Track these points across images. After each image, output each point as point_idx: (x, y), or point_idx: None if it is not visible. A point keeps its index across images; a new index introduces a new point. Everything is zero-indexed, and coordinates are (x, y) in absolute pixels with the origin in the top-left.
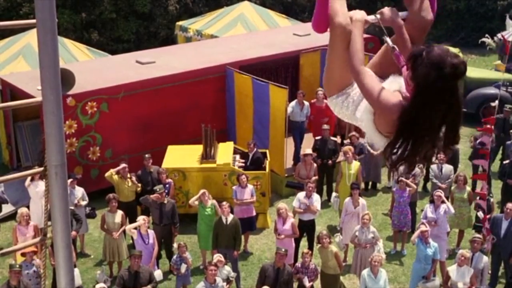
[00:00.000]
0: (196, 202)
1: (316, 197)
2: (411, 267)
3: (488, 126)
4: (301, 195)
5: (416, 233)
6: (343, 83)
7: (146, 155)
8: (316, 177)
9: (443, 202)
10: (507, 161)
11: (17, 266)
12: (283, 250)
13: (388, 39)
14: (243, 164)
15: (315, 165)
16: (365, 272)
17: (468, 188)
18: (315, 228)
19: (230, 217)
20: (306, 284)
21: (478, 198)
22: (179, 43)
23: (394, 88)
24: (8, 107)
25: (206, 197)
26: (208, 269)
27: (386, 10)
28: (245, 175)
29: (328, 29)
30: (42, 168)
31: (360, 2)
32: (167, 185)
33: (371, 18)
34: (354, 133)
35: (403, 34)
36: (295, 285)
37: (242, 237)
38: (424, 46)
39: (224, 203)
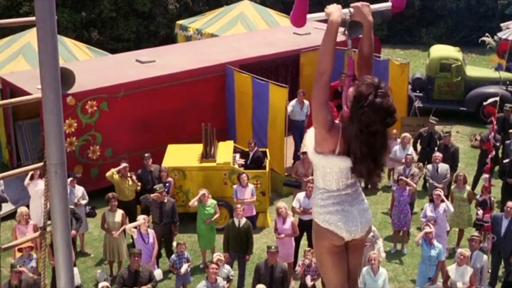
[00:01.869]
0: (196, 203)
1: None
2: (412, 267)
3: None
4: (301, 195)
5: (421, 234)
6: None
7: (146, 154)
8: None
9: (442, 201)
10: (507, 160)
11: (18, 266)
12: (273, 247)
13: (349, 42)
14: (243, 163)
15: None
16: (365, 270)
17: (468, 188)
18: None
19: (243, 220)
20: (308, 283)
21: (479, 195)
22: (179, 42)
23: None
24: (8, 104)
25: (206, 197)
26: (209, 268)
27: (361, 5)
28: (246, 174)
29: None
30: (41, 164)
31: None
32: (167, 184)
33: (344, 11)
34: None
35: (370, 35)
36: (297, 284)
37: None
38: (373, 88)
39: (239, 206)
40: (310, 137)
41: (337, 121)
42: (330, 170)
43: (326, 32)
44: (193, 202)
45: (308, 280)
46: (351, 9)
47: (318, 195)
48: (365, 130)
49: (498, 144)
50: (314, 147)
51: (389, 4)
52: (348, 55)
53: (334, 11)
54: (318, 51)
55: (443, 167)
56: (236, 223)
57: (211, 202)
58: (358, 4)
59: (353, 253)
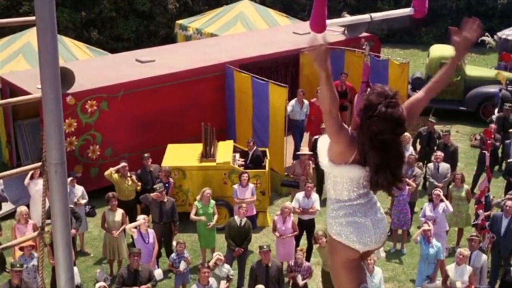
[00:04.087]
0: (195, 217)
1: (315, 197)
2: (412, 266)
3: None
4: (300, 195)
5: (418, 231)
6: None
7: (145, 155)
8: (310, 176)
9: (441, 200)
10: (511, 160)
11: (18, 265)
12: (265, 246)
13: (367, 48)
14: (243, 163)
15: (311, 163)
16: None
17: (466, 187)
18: (315, 226)
19: (244, 219)
20: (300, 282)
21: (477, 194)
22: (179, 41)
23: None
24: (7, 103)
25: (207, 197)
26: (201, 271)
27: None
28: (247, 174)
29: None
30: (40, 163)
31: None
32: (167, 184)
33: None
34: (350, 127)
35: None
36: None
37: None
38: (383, 97)
39: (244, 205)
40: (323, 145)
41: (351, 131)
42: (341, 179)
43: (321, 81)
44: (194, 218)
45: (299, 280)
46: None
47: (330, 206)
48: (375, 139)
49: (498, 143)
50: (329, 157)
51: (410, 9)
52: (364, 61)
53: (321, 61)
54: (319, 95)
55: (444, 167)
56: (238, 222)
57: (210, 202)
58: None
59: (366, 254)
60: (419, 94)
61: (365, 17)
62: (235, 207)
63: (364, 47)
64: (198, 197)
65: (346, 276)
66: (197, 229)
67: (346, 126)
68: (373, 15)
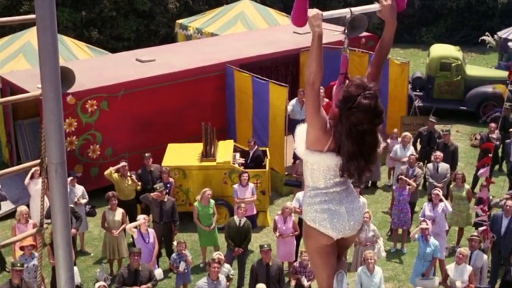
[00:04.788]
0: (199, 223)
1: None
2: (412, 266)
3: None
4: (300, 194)
5: (416, 229)
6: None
7: (146, 154)
8: None
9: (441, 200)
10: None
11: (19, 264)
12: (265, 246)
13: (346, 41)
14: (243, 162)
15: None
16: (360, 269)
17: (467, 186)
18: None
19: (244, 219)
20: (305, 284)
21: (478, 194)
22: (179, 41)
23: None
24: (7, 101)
25: (207, 198)
26: (211, 266)
27: (390, 3)
28: (247, 173)
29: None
30: (38, 161)
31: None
32: (168, 185)
33: (345, 11)
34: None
35: (392, 35)
36: (293, 283)
37: None
38: (361, 89)
39: (243, 205)
40: (300, 133)
41: (328, 121)
42: (318, 167)
43: (311, 43)
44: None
45: (305, 281)
46: (369, 7)
47: (307, 194)
48: (354, 129)
49: (498, 143)
50: (306, 144)
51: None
52: (343, 53)
53: (315, 22)
54: (308, 61)
55: (444, 167)
56: (237, 222)
57: (210, 202)
58: (388, 2)
59: (344, 243)
60: (370, 69)
61: (345, 11)
62: (235, 206)
63: (343, 39)
64: (198, 198)
65: (321, 262)
66: (197, 228)
67: (324, 113)
68: (353, 9)
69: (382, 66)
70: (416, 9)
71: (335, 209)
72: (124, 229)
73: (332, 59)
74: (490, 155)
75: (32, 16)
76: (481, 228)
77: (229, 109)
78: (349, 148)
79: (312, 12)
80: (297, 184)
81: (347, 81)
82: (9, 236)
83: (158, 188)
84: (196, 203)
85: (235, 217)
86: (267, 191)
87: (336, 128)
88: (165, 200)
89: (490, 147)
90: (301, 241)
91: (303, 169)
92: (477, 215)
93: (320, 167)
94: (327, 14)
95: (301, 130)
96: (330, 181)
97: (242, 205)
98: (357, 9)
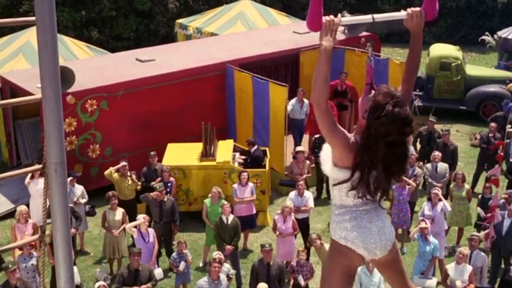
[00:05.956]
0: (207, 221)
1: (308, 195)
2: (412, 265)
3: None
4: (292, 194)
5: (416, 229)
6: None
7: (152, 153)
8: (310, 174)
9: (440, 199)
10: None
11: (10, 266)
12: (267, 245)
13: (370, 49)
14: (243, 161)
15: (307, 162)
16: (360, 269)
17: (467, 186)
18: (309, 225)
19: (231, 217)
20: (301, 283)
21: (480, 196)
22: (179, 41)
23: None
24: (8, 104)
25: (216, 196)
26: (212, 265)
27: (417, 13)
28: (247, 173)
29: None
30: (41, 165)
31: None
32: (169, 184)
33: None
34: (354, 131)
35: (420, 46)
36: (290, 282)
37: (242, 235)
38: (389, 97)
39: (225, 202)
40: (326, 152)
41: (352, 135)
42: (347, 184)
43: (318, 58)
44: (205, 220)
45: (301, 280)
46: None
47: (335, 211)
48: (382, 140)
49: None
50: (333, 162)
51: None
52: (368, 63)
53: (327, 36)
54: (313, 78)
55: (443, 166)
56: (224, 220)
57: (220, 201)
58: (415, 10)
59: (386, 271)
60: (402, 87)
61: (367, 17)
62: (235, 206)
63: (367, 48)
64: (210, 195)
65: (339, 278)
66: (206, 227)
67: (340, 127)
68: (375, 16)
69: (414, 81)
70: None
71: (366, 226)
72: (124, 229)
73: (332, 59)
74: (502, 153)
75: (32, 18)
76: (483, 232)
77: (229, 109)
78: (370, 160)
79: (326, 18)
80: (292, 184)
81: (372, 91)
82: (9, 236)
83: (158, 187)
84: (206, 200)
85: (222, 216)
86: (267, 190)
87: (363, 141)
88: (165, 199)
89: (501, 145)
90: (297, 240)
91: (330, 188)
92: (478, 216)
93: (349, 185)
94: (346, 20)
95: (326, 148)
96: (359, 199)
97: (225, 201)
98: (380, 16)
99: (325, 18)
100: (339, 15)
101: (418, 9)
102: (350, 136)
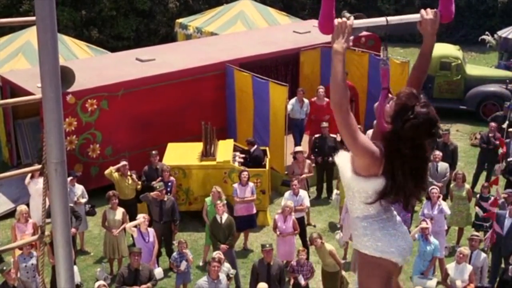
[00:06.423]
0: (206, 219)
1: (303, 194)
2: (412, 265)
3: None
4: (287, 194)
5: (416, 229)
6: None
7: (153, 152)
8: (311, 173)
9: (439, 198)
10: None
11: (5, 268)
12: (267, 245)
13: (385, 52)
14: (243, 160)
15: (307, 162)
16: None
17: (467, 186)
18: (305, 224)
19: (225, 216)
20: (302, 282)
21: (479, 195)
22: (179, 40)
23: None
24: (8, 104)
25: (216, 195)
26: (211, 265)
27: (433, 16)
28: (247, 172)
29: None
30: (40, 166)
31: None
32: (169, 184)
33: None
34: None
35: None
36: (290, 282)
37: (242, 234)
38: (414, 99)
39: (219, 202)
40: (344, 161)
41: (376, 142)
42: (372, 192)
43: (332, 61)
44: (205, 219)
45: (302, 280)
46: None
47: (359, 224)
48: (410, 144)
49: (498, 142)
50: (355, 171)
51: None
52: (383, 67)
53: (338, 38)
54: (330, 82)
55: (443, 166)
56: (218, 219)
57: (221, 200)
58: (430, 15)
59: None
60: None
61: (381, 20)
62: (235, 206)
63: (381, 51)
64: (211, 194)
65: None
66: (206, 226)
67: (363, 135)
68: (389, 18)
69: (422, 85)
70: (416, 8)
71: (394, 232)
72: (124, 229)
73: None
74: (503, 150)
75: (32, 18)
76: (487, 235)
77: (229, 109)
78: (401, 168)
79: (338, 21)
80: None
81: (389, 95)
82: (9, 236)
83: (157, 187)
84: (207, 199)
85: (216, 215)
86: (267, 190)
87: (392, 146)
88: (165, 199)
89: (500, 142)
90: (299, 240)
91: (349, 199)
92: (476, 216)
93: (370, 193)
94: (359, 22)
95: (344, 156)
96: (381, 207)
97: (218, 201)
98: (394, 19)
99: (337, 21)
100: (351, 17)
101: (433, 10)
102: (374, 143)
